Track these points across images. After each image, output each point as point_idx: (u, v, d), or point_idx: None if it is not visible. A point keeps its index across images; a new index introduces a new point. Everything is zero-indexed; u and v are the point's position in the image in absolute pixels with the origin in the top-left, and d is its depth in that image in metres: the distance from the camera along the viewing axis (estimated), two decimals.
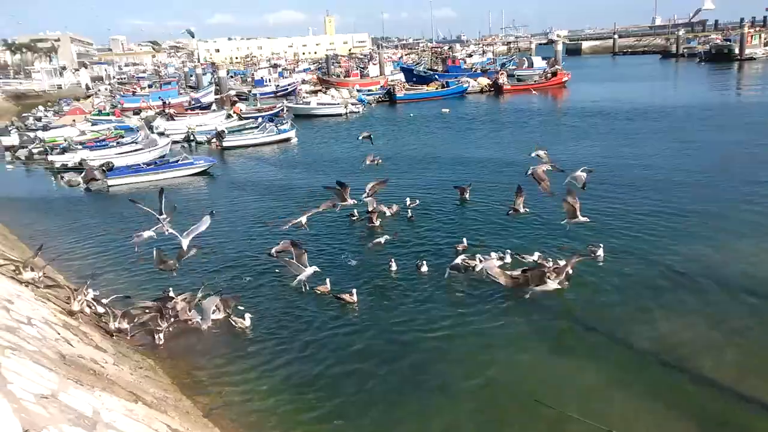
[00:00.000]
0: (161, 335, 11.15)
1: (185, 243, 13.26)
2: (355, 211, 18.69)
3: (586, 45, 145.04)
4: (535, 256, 13.93)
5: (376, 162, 24.29)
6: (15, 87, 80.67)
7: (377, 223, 17.99)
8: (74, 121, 45.29)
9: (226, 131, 37.21)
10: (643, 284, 12.91)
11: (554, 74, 63.80)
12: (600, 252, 14.24)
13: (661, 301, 12.07)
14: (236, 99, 57.97)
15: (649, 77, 68.97)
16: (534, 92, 56.73)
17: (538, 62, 72.71)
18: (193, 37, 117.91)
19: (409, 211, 18.83)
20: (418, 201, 19.61)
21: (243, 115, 45.56)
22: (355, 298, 12.66)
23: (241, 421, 8.96)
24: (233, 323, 11.77)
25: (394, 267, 14.21)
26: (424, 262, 14.27)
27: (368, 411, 9.12)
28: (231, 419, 8.97)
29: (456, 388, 9.57)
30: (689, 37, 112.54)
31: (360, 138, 30.22)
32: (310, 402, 9.39)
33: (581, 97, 52.60)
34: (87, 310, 11.05)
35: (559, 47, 68.28)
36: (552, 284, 11.94)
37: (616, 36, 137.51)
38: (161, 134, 37.32)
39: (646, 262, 14.03)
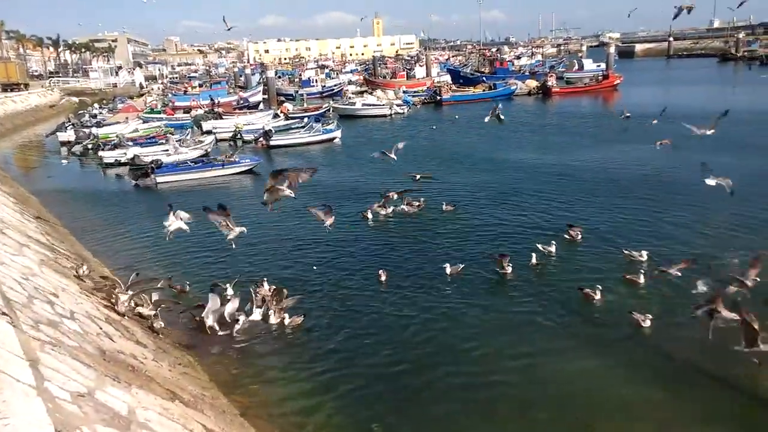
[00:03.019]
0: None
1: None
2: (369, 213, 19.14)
3: (639, 47, 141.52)
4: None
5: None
6: (73, 85, 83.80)
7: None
8: (127, 118, 46.58)
9: (273, 130, 37.60)
10: None
11: (605, 77, 62.24)
12: None
13: None
14: (282, 99, 58.63)
15: (704, 81, 66.39)
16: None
17: (589, 65, 71.16)
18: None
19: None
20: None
21: (290, 115, 45.98)
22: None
23: (277, 422, 8.83)
24: (286, 321, 11.72)
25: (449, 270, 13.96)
26: (448, 266, 14.03)
27: (408, 419, 8.89)
28: (267, 419, 8.84)
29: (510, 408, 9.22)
30: (750, 39, 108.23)
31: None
32: (348, 405, 9.24)
33: (633, 100, 51.06)
34: (133, 309, 11.12)
35: (611, 49, 66.46)
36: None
37: (671, 38, 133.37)
38: (207, 132, 38.03)
39: None
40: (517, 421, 8.88)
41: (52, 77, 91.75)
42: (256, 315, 11.76)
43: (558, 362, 10.25)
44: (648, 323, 11.06)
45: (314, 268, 14.85)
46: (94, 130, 40.51)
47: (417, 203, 19.46)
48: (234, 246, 13.77)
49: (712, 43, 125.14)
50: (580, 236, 15.67)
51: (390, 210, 19.28)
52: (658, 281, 12.88)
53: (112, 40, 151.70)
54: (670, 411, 8.95)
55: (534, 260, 14.22)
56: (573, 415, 8.88)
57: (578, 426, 8.73)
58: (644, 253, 14.03)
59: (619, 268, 13.82)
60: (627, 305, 11.82)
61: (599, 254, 14.91)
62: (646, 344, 10.76)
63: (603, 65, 66.40)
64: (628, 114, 34.18)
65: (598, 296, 12.16)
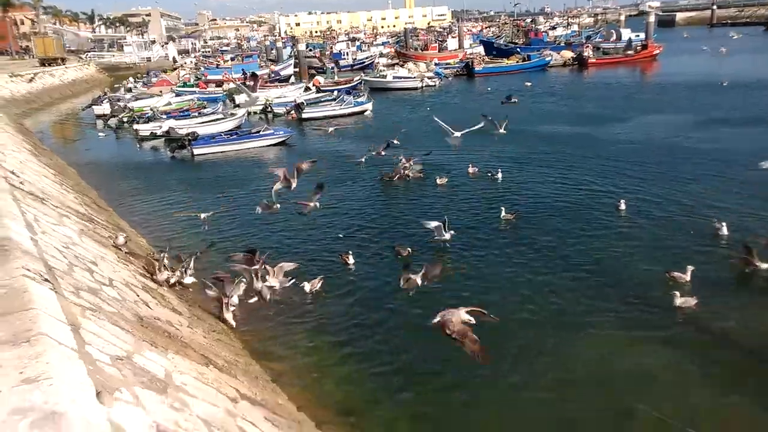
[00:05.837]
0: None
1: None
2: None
3: (680, 16, 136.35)
4: None
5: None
6: (108, 59, 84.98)
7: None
8: (161, 92, 47.10)
9: (305, 103, 37.66)
10: None
11: (644, 47, 60.38)
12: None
13: None
14: (314, 72, 58.51)
15: (748, 50, 63.57)
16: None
17: (627, 34, 69.11)
18: None
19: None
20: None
21: (321, 88, 45.89)
22: (351, 260, 12.97)
23: (308, 389, 8.94)
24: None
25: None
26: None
27: (439, 393, 8.86)
28: (299, 386, 8.96)
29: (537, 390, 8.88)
30: None
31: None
32: (379, 376, 9.28)
33: (673, 70, 49.55)
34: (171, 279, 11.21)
35: (651, 18, 64.24)
36: None
37: (714, 6, 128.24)
38: (238, 106, 38.26)
39: None
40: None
41: (88, 52, 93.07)
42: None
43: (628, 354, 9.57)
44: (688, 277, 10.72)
45: (340, 235, 15.05)
46: (129, 103, 41.11)
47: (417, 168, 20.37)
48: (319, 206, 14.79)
49: (758, 10, 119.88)
50: (623, 207, 15.39)
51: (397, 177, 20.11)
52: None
53: (146, 15, 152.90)
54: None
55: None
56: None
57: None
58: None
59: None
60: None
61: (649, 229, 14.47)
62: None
63: (642, 35, 64.39)
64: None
65: (687, 277, 10.95)
